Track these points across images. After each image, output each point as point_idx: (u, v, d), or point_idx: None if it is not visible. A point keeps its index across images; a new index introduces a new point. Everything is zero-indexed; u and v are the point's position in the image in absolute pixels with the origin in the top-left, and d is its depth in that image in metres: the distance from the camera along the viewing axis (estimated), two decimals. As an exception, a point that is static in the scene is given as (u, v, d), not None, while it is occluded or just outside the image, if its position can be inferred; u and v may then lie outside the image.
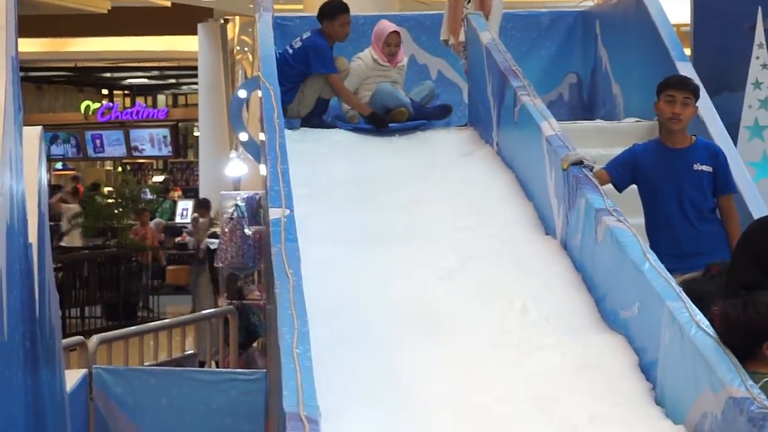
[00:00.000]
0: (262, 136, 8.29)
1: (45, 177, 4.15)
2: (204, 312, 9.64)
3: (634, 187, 6.86)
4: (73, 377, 4.80)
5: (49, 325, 3.94)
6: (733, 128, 8.30)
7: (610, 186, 6.68)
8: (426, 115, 8.97)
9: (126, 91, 38.09)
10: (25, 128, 3.93)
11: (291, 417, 3.96)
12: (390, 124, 8.77)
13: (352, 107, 9.03)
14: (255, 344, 10.27)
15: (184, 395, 5.06)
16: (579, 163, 6.45)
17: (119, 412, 5.05)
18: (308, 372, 4.35)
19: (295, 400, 4.10)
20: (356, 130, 8.83)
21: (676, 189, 6.54)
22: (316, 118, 9.18)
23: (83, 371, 5.04)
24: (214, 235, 13.01)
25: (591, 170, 6.46)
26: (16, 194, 3.57)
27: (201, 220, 18.47)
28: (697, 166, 6.57)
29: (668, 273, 5.34)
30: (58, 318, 4.10)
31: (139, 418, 5.02)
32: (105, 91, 37.77)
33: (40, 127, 4.11)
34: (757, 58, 9.08)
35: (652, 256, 5.50)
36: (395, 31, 9.11)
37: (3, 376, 3.13)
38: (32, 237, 3.79)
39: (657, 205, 6.59)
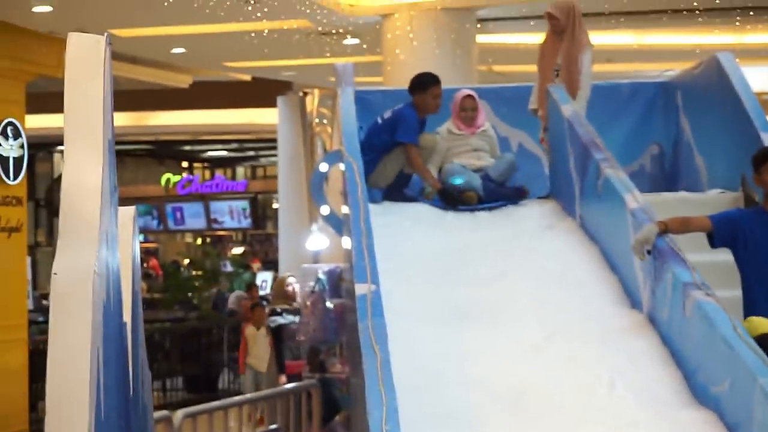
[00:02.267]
0: (344, 209, 8.36)
1: (138, 255, 4.22)
2: (287, 386, 9.67)
3: (723, 259, 6.81)
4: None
5: (142, 404, 3.99)
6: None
7: (697, 258, 6.63)
8: (500, 197, 8.83)
9: (206, 164, 38.55)
10: (120, 208, 4.01)
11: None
12: (460, 206, 8.68)
13: (424, 179, 9.10)
14: (337, 417, 10.27)
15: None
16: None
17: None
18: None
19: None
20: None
21: None
22: (398, 191, 9.23)
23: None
24: (274, 312, 13.05)
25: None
26: (112, 273, 3.64)
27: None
28: None
29: (760, 348, 5.30)
30: (151, 397, 4.15)
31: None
32: (185, 164, 38.25)
33: (133, 207, 4.19)
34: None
35: (743, 332, 5.46)
36: (469, 95, 9.24)
37: (100, 456, 3.17)
38: (126, 316, 3.86)
39: (760, 272, 6.49)
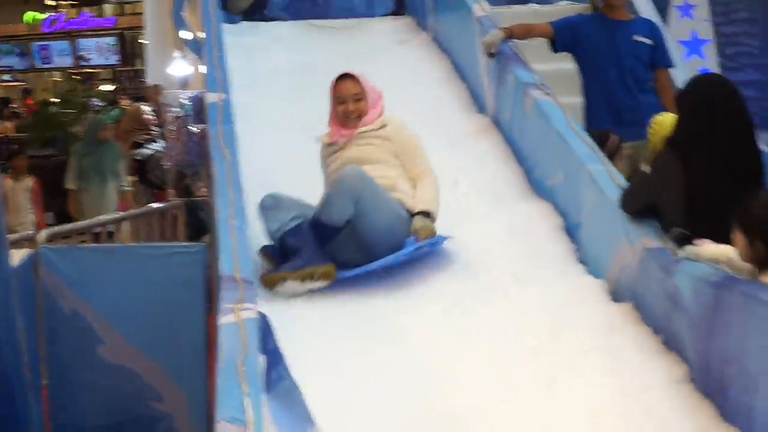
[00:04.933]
0: (200, 34, 8.40)
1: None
2: (153, 206, 9.76)
3: (565, 67, 7.05)
4: (19, 256, 4.97)
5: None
6: (663, 7, 8.46)
7: (542, 67, 6.85)
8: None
9: (72, 1, 37.71)
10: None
11: (226, 279, 4.15)
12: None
13: None
14: (203, 239, 10.43)
15: (127, 269, 5.23)
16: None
17: (65, 288, 5.22)
18: (243, 240, 4.53)
19: (230, 265, 4.29)
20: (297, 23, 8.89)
21: (617, 59, 6.70)
22: (257, 12, 9.27)
23: (29, 250, 5.20)
24: (136, 145, 12.86)
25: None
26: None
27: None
28: (637, 38, 6.74)
29: (591, 139, 5.57)
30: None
31: (85, 293, 5.20)
32: (50, 2, 37.38)
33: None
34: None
35: (576, 125, 5.73)
36: (346, 75, 5.63)
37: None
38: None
39: (598, 74, 6.72)
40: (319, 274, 4.93)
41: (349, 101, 5.54)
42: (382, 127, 5.49)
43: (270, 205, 5.16)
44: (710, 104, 4.60)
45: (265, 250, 5.17)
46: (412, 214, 5.25)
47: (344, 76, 5.56)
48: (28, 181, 13.26)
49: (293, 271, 4.93)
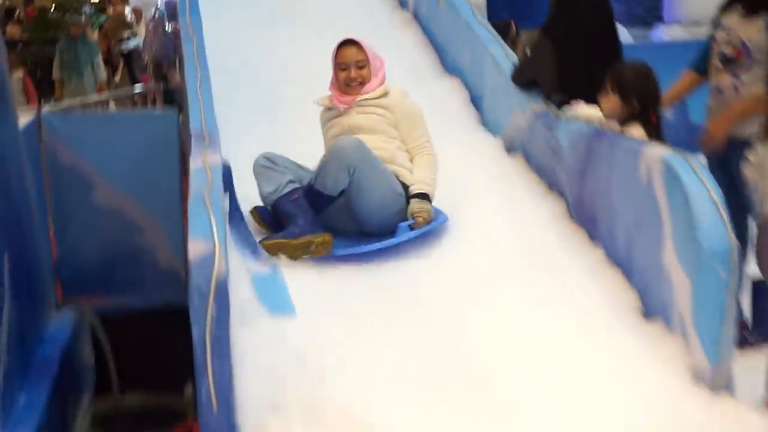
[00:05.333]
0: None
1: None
2: (138, 89, 9.73)
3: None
4: (24, 119, 4.92)
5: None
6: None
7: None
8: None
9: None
10: None
11: (196, 136, 4.13)
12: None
13: None
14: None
15: (114, 131, 5.22)
16: None
17: (65, 146, 5.20)
18: (209, 102, 4.50)
19: (199, 124, 4.27)
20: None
21: None
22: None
23: (33, 114, 5.15)
24: (121, 41, 12.72)
25: None
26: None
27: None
28: None
29: (492, 28, 5.59)
30: (6, 63, 4.14)
31: (81, 150, 5.19)
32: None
33: None
34: None
35: (480, 16, 5.74)
36: (349, 41, 4.66)
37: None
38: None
39: None
40: (317, 243, 4.11)
41: (351, 68, 4.55)
42: (384, 95, 4.55)
43: (265, 165, 4.34)
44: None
45: (256, 211, 4.41)
46: (410, 196, 4.36)
47: (347, 42, 4.59)
48: (19, 73, 12.92)
49: (291, 239, 4.13)
